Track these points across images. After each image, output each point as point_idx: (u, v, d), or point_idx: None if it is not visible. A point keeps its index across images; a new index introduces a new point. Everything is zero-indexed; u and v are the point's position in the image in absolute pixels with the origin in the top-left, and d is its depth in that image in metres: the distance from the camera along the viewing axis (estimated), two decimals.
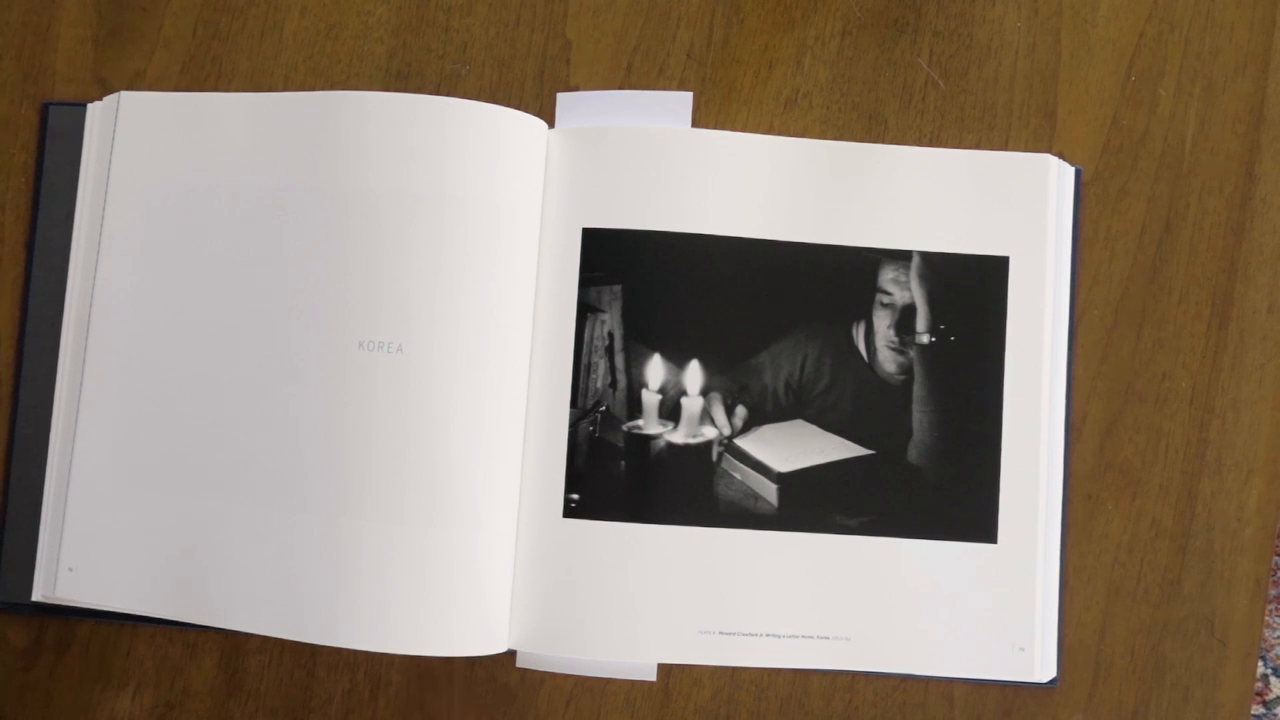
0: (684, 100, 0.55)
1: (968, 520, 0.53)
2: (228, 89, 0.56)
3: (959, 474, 0.53)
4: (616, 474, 0.53)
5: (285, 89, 0.55)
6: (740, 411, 0.53)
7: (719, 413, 0.53)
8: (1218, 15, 0.56)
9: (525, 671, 0.54)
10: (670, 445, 0.53)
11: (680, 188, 0.54)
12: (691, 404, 0.53)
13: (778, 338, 0.54)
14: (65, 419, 0.53)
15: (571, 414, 0.53)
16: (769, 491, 0.53)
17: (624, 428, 0.53)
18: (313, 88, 0.55)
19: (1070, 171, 0.55)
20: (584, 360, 0.53)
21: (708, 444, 0.53)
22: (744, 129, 0.55)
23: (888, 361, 0.54)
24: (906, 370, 0.54)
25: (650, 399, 0.53)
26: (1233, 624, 0.54)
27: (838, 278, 0.54)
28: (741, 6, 0.56)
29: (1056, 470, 0.54)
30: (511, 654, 0.53)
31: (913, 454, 0.53)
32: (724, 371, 0.53)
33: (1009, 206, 0.54)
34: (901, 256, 0.54)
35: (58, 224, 0.55)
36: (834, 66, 0.56)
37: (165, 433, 0.52)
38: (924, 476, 0.53)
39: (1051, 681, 0.53)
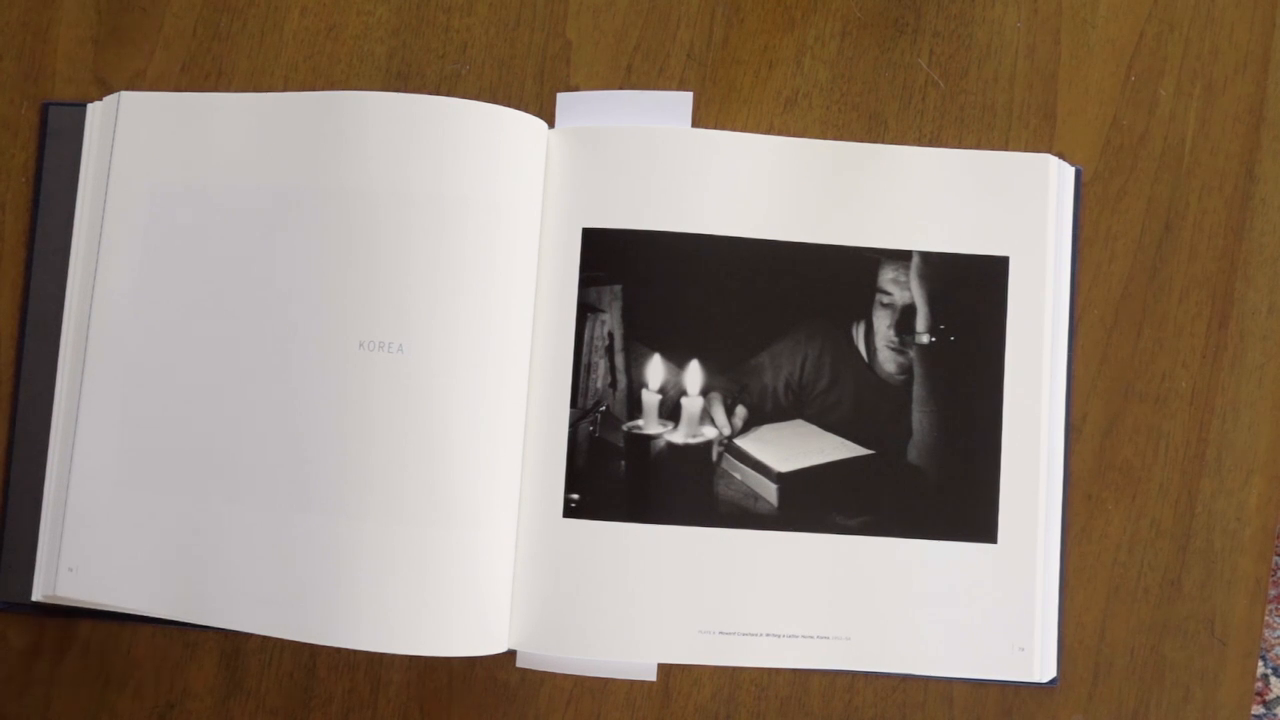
0: (684, 100, 0.55)
1: (968, 520, 0.53)
2: (228, 89, 0.56)
3: (959, 474, 0.53)
4: (616, 474, 0.53)
5: (285, 89, 0.55)
6: (740, 411, 0.53)
7: (719, 413, 0.53)
8: (1218, 15, 0.56)
9: (525, 671, 0.54)
10: (670, 445, 0.53)
11: (680, 188, 0.54)
12: (691, 404, 0.53)
13: (778, 338, 0.54)
14: (65, 419, 0.53)
15: (571, 414, 0.53)
16: (769, 491, 0.53)
17: (624, 428, 0.53)
18: (313, 88, 0.55)
19: (1070, 171, 0.55)
20: (584, 360, 0.53)
21: (708, 444, 0.53)
22: (744, 129, 0.55)
23: (888, 361, 0.54)
24: (906, 370, 0.54)
25: (650, 399, 0.53)
26: (1233, 624, 0.54)
27: (838, 278, 0.54)
28: (741, 6, 0.56)
29: (1056, 470, 0.54)
30: (511, 654, 0.53)
31: (913, 454, 0.53)
32: (724, 371, 0.53)
33: (1009, 206, 0.54)
34: (901, 256, 0.54)
35: (58, 224, 0.55)
36: (834, 66, 0.56)
37: (165, 432, 0.52)
38: (924, 476, 0.53)
39: (1051, 681, 0.53)
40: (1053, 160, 0.54)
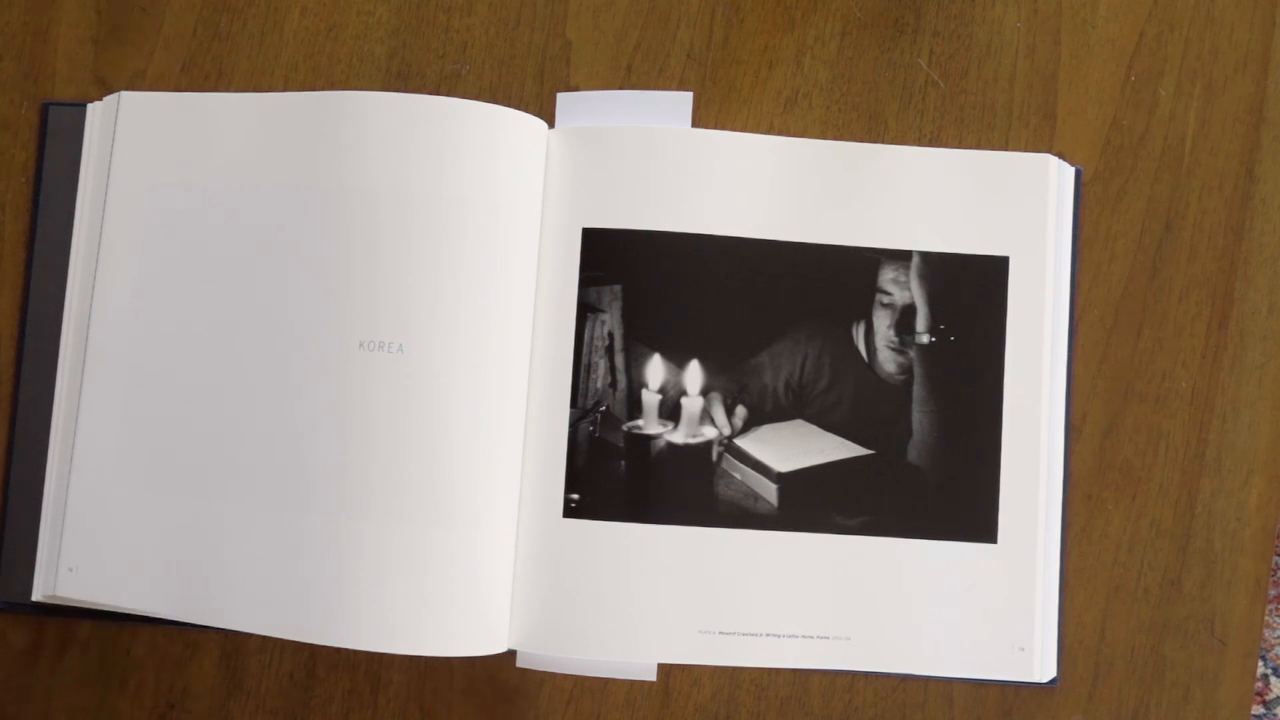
0: (684, 100, 0.55)
1: (968, 520, 0.53)
2: (228, 89, 0.56)
3: (959, 474, 0.53)
4: (616, 474, 0.53)
5: (285, 89, 0.56)
6: (740, 411, 0.53)
7: (719, 413, 0.53)
8: (1218, 15, 0.56)
9: (525, 671, 0.54)
10: (670, 445, 0.53)
11: (680, 188, 0.54)
12: (691, 404, 0.53)
13: (778, 338, 0.54)
14: (65, 419, 0.53)
15: (571, 414, 0.53)
16: (769, 491, 0.53)
17: (624, 428, 0.53)
18: (313, 88, 0.56)
19: (1070, 171, 0.55)
20: (584, 360, 0.53)
21: (708, 444, 0.53)
22: (744, 129, 0.55)
23: (888, 361, 0.54)
24: (906, 370, 0.54)
25: (650, 399, 0.53)
26: (1233, 624, 0.54)
27: (838, 278, 0.54)
28: (741, 6, 0.56)
29: (1056, 470, 0.54)
30: (511, 654, 0.53)
31: (913, 454, 0.53)
32: (724, 371, 0.53)
33: (1009, 206, 0.54)
34: (901, 256, 0.54)
35: (58, 224, 0.55)
36: (834, 66, 0.56)
37: (165, 432, 0.52)
38: (924, 476, 0.53)
39: (1051, 681, 0.53)
40: (1053, 160, 0.54)
